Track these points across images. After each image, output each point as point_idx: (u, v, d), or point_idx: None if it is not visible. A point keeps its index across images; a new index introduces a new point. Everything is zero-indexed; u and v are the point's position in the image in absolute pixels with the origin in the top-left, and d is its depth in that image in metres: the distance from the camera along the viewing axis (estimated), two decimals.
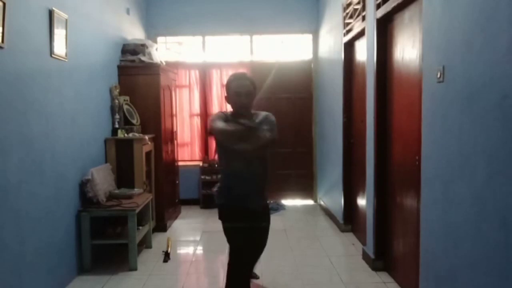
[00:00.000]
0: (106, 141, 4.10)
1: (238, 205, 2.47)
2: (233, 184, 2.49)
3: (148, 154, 4.42)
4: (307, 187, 6.10)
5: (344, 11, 4.31)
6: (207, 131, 3.37)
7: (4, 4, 2.43)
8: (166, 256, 3.80)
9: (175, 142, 5.34)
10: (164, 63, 4.96)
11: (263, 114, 2.48)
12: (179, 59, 5.99)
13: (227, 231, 2.51)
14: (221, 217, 2.56)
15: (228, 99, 2.47)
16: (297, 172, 6.05)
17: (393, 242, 3.24)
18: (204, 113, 5.94)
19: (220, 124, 2.37)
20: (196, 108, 5.98)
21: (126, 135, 4.19)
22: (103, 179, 3.72)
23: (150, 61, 4.59)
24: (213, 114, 2.67)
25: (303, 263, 3.68)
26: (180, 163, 5.58)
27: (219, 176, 2.70)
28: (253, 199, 2.49)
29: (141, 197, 3.89)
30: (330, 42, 5.07)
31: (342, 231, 4.53)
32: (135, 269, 3.53)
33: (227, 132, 2.34)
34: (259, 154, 2.44)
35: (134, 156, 4.14)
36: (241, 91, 2.39)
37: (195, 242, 4.40)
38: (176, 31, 5.92)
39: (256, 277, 3.29)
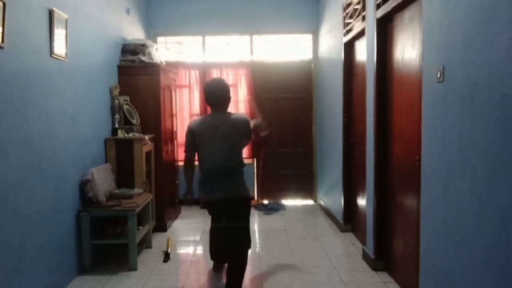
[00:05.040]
0: (106, 141, 4.10)
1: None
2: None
3: (148, 154, 4.42)
4: (307, 187, 6.10)
5: (344, 11, 4.30)
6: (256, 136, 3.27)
7: (4, 4, 2.43)
8: (166, 256, 3.80)
9: (175, 142, 5.34)
10: (164, 63, 4.96)
11: (237, 115, 3.05)
12: (179, 59, 5.99)
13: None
14: None
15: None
16: (297, 172, 6.05)
17: (393, 242, 3.24)
18: (204, 113, 5.93)
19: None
20: (196, 108, 5.97)
21: (126, 135, 4.19)
22: (103, 179, 3.72)
23: (150, 61, 4.59)
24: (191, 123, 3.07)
25: (303, 263, 3.68)
26: (180, 163, 5.57)
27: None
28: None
29: (141, 197, 3.89)
30: (330, 42, 5.07)
31: (342, 231, 4.53)
32: (135, 269, 3.53)
33: None
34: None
35: (134, 156, 4.14)
36: (207, 94, 2.98)
37: (195, 242, 4.39)
38: (176, 31, 5.92)
39: None
